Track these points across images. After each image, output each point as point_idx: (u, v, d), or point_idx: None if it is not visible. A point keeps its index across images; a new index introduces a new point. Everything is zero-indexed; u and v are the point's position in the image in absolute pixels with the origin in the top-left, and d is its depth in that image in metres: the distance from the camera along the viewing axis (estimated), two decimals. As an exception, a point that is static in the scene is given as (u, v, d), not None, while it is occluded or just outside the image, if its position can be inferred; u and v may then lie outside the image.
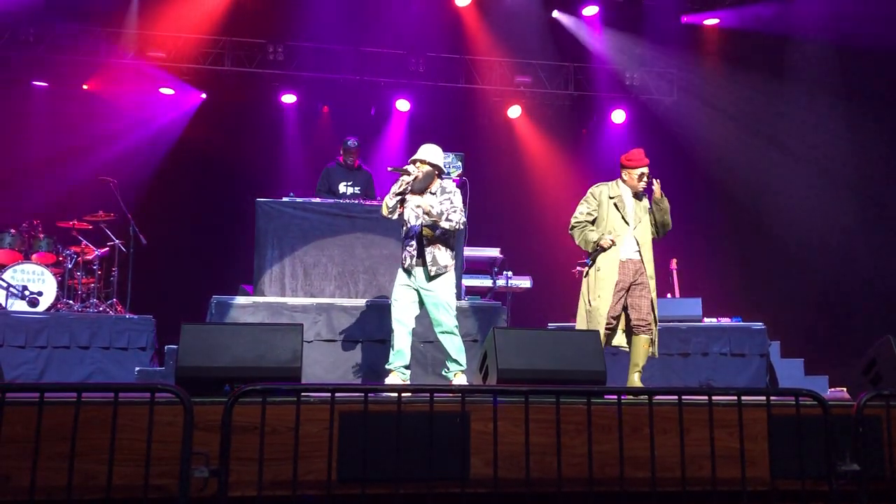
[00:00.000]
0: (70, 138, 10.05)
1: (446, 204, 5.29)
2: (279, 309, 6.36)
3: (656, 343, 5.44)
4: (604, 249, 5.38)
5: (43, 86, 10.02)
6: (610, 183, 5.58)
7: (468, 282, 7.81)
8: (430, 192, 5.36)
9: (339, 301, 6.53)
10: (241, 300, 6.42)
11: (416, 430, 3.16)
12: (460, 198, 5.42)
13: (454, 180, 7.41)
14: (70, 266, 7.88)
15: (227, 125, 10.47)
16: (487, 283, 8.14)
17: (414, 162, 5.39)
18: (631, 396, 3.59)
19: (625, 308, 5.38)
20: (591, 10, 10.71)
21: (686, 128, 10.75)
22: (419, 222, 5.29)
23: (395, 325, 5.32)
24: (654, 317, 5.38)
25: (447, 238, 5.33)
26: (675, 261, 8.46)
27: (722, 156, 10.35)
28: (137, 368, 6.60)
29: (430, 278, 5.24)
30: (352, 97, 10.80)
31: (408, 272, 5.31)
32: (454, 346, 5.32)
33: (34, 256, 7.80)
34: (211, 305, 6.29)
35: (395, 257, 6.85)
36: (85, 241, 8.18)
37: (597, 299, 5.32)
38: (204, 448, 2.92)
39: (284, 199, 7.01)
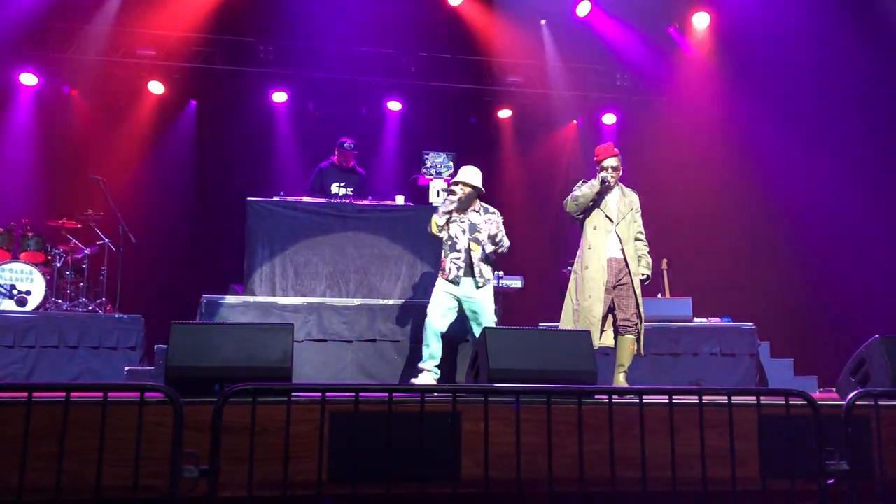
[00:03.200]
0: (59, 136, 10.01)
1: (493, 226, 5.78)
2: (270, 308, 6.34)
3: (642, 340, 5.43)
4: (607, 187, 5.39)
5: (31, 84, 9.95)
6: (589, 182, 5.59)
7: (459, 282, 7.81)
8: (474, 210, 5.84)
9: (329, 301, 6.52)
10: (231, 300, 6.40)
11: (406, 430, 3.15)
12: (501, 219, 5.88)
13: (446, 180, 7.42)
14: (59, 265, 7.84)
15: (217, 124, 10.44)
16: (479, 283, 8.13)
17: (457, 183, 5.84)
18: (622, 396, 3.59)
19: (611, 308, 5.39)
20: (584, 9, 10.70)
21: (676, 128, 10.78)
22: (466, 237, 5.74)
23: (430, 327, 5.72)
24: (640, 314, 5.38)
25: (489, 254, 5.80)
26: (665, 261, 8.48)
27: (711, 156, 10.39)
28: (127, 368, 6.56)
29: (477, 287, 5.69)
30: (343, 96, 10.78)
31: (454, 282, 5.72)
32: None
33: (22, 255, 7.75)
34: (201, 305, 6.27)
35: (385, 257, 6.87)
36: (74, 240, 8.14)
37: (588, 300, 5.31)
38: (194, 448, 2.91)
39: (275, 198, 7.00)
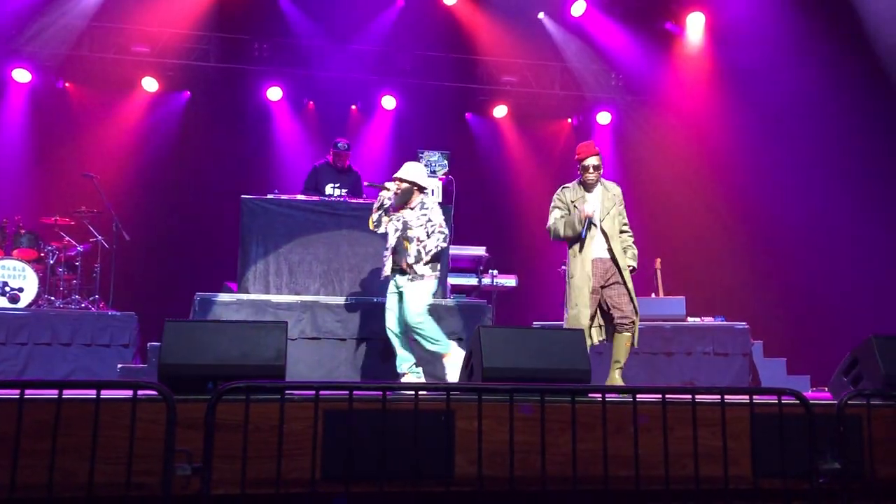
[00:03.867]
0: (53, 133, 9.98)
1: (426, 224, 5.57)
2: (263, 306, 6.34)
3: (636, 335, 5.42)
4: (581, 244, 5.35)
5: (24, 80, 9.91)
6: (572, 184, 5.58)
7: (453, 280, 7.82)
8: (410, 208, 5.67)
9: (323, 299, 6.51)
10: (224, 297, 6.39)
11: (400, 428, 3.15)
12: (439, 214, 5.68)
13: (440, 179, 7.42)
14: (52, 262, 7.81)
15: (211, 121, 10.42)
16: (473, 281, 8.15)
17: (394, 180, 5.69)
18: (615, 395, 3.60)
19: (602, 307, 5.38)
20: (579, 9, 10.71)
21: (670, 128, 10.81)
22: (397, 235, 5.61)
23: (388, 332, 5.69)
24: (635, 308, 5.37)
25: (425, 249, 5.57)
26: (658, 260, 8.50)
27: (705, 156, 10.42)
28: (120, 365, 6.55)
29: (408, 282, 5.56)
30: (337, 94, 10.79)
31: (389, 280, 5.65)
32: (424, 342, 5.56)
33: (15, 252, 7.72)
34: (194, 302, 6.26)
35: (380, 256, 6.85)
36: (67, 237, 8.11)
37: (574, 308, 5.33)
38: (187, 446, 2.90)
39: (269, 196, 6.98)
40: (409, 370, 5.66)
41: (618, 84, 11.26)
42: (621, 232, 5.49)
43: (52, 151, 9.86)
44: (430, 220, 5.61)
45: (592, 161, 5.46)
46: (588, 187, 5.48)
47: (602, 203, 5.44)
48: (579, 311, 5.29)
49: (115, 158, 9.92)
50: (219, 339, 3.80)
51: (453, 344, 5.72)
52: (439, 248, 5.59)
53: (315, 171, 7.78)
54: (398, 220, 5.65)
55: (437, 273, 5.66)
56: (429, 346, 5.60)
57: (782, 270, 9.67)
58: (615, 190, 5.57)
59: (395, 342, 5.68)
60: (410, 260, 5.53)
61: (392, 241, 5.63)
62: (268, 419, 3.17)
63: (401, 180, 5.66)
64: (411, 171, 5.71)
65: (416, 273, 5.53)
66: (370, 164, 10.12)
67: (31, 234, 7.93)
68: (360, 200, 7.18)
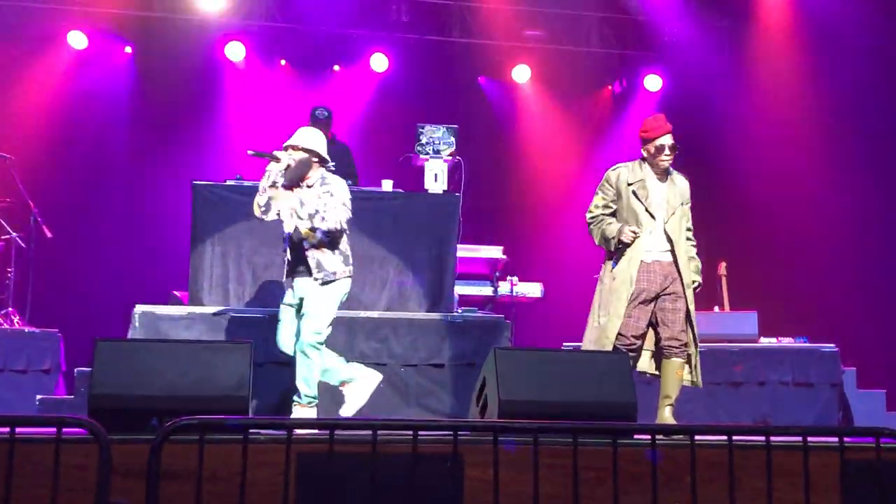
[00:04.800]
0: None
1: (325, 197, 5.44)
2: (221, 322, 6.35)
3: (698, 369, 5.42)
4: (626, 246, 5.36)
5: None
6: (631, 164, 5.54)
7: (462, 289, 7.83)
8: (307, 186, 5.53)
9: (297, 312, 6.53)
10: (172, 310, 6.41)
11: (395, 476, 3.15)
12: (344, 190, 5.55)
13: (445, 161, 7.42)
14: (-47, 265, 7.85)
15: (155, 88, 10.41)
16: (486, 291, 8.15)
17: (287, 148, 5.56)
18: (668, 436, 3.61)
19: (653, 324, 5.38)
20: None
21: (741, 97, 10.76)
22: (295, 222, 5.46)
23: (282, 355, 5.64)
24: (693, 335, 5.38)
25: (335, 240, 5.49)
26: (723, 265, 8.47)
27: (784, 135, 10.38)
28: (39, 397, 6.57)
29: (312, 286, 5.43)
30: (313, 53, 10.79)
31: (288, 286, 5.55)
32: (304, 370, 5.41)
33: None
34: (134, 317, 6.28)
35: (368, 258, 6.88)
36: (-28, 234, 8.15)
37: (604, 316, 5.30)
38: (125, 497, 2.91)
39: (229, 182, 7.00)
40: (301, 402, 5.42)
41: (670, 40, 11.23)
42: (686, 239, 5.50)
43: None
44: (332, 196, 5.47)
45: (668, 140, 5.40)
46: (655, 173, 5.47)
47: (667, 199, 5.43)
48: (609, 320, 5.27)
49: (33, 135, 9.93)
50: (165, 363, 3.83)
51: (358, 367, 5.65)
52: (339, 229, 5.44)
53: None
54: (293, 202, 5.50)
55: (351, 271, 5.57)
56: (322, 377, 5.47)
57: (883, 280, 9.62)
58: (683, 184, 5.56)
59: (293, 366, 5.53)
60: (314, 255, 5.41)
61: (289, 228, 5.50)
62: (227, 465, 3.17)
63: (294, 148, 5.54)
64: (308, 137, 5.61)
65: (325, 270, 5.41)
66: (357, 143, 10.14)
67: (-74, 230, 7.98)
68: (367, 189, 7.19)
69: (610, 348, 5.17)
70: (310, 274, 5.43)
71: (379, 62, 10.95)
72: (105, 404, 3.71)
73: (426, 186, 7.40)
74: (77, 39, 10.33)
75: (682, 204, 5.48)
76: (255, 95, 10.85)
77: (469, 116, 10.36)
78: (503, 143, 11.26)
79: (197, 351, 3.91)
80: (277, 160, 5.51)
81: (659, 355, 5.40)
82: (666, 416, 5.32)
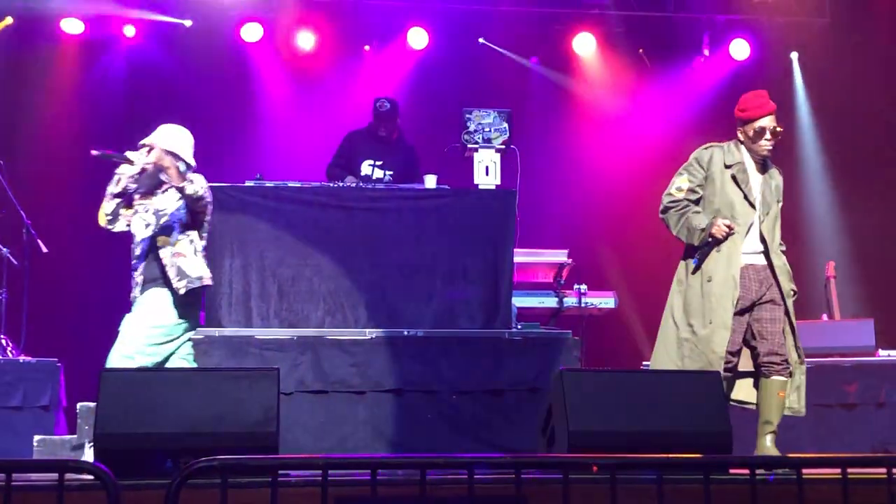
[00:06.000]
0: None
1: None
2: (243, 346, 6.41)
3: (802, 392, 5.35)
4: (717, 242, 5.29)
5: None
6: (726, 144, 5.46)
7: (520, 301, 7.79)
8: (162, 192, 5.63)
9: (330, 333, 6.57)
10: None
11: (449, 523, 3.16)
12: (208, 195, 5.65)
13: (497, 150, 7.41)
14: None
15: (164, 77, 10.53)
16: (550, 302, 8.12)
17: (142, 146, 5.61)
18: (770, 470, 3.57)
19: (746, 340, 5.31)
20: None
21: (846, 66, 10.62)
22: (150, 232, 5.54)
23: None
24: (798, 349, 5.32)
25: (193, 242, 5.60)
26: (832, 265, 8.38)
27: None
28: (37, 437, 6.65)
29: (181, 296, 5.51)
30: (342, 30, 10.83)
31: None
32: None
33: None
34: (143, 343, 6.35)
35: (411, 267, 6.88)
36: (-44, 251, 8.27)
37: (707, 327, 5.23)
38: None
39: (249, 183, 7.05)
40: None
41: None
42: None
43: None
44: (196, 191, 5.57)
45: (770, 122, 5.32)
46: (755, 159, 5.41)
47: (763, 194, 5.37)
48: (714, 331, 5.20)
49: (27, 136, 10.08)
50: (181, 395, 3.86)
51: None
52: (207, 199, 5.60)
53: (350, 138, 7.91)
54: (148, 212, 5.58)
55: (210, 278, 5.67)
56: None
57: None
58: (779, 180, 5.52)
59: None
60: (173, 275, 5.48)
61: (142, 236, 5.59)
62: (254, 512, 3.19)
63: (152, 148, 5.58)
64: (169, 136, 5.66)
65: (191, 277, 5.51)
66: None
67: None
68: (380, 186, 7.22)
69: (719, 368, 5.06)
70: (170, 285, 5.52)
71: (417, 37, 10.98)
72: (113, 444, 3.75)
73: (476, 181, 7.37)
74: (72, 25, 10.46)
75: (777, 202, 5.42)
76: (274, 82, 10.92)
77: (523, 97, 10.34)
78: (563, 128, 11.19)
79: (216, 381, 3.95)
80: (130, 162, 5.56)
81: (757, 375, 5.34)
82: (767, 445, 5.27)
